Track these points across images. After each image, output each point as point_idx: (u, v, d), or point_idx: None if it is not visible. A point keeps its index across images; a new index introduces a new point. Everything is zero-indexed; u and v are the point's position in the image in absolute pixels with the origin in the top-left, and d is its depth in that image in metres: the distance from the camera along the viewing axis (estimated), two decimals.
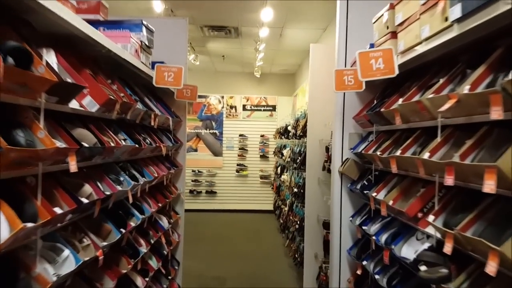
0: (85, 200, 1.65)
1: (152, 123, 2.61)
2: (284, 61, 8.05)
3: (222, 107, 9.26)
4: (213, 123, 9.27)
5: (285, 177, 6.34)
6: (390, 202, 1.97)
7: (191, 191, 9.10)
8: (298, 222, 4.81)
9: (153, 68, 2.76)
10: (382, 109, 2.13)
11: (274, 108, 9.26)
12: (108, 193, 1.92)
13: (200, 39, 6.67)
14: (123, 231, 2.11)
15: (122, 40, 2.35)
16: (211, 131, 9.26)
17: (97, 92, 1.87)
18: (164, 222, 3.14)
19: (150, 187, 2.75)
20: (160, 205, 2.94)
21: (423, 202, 1.79)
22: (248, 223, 8.06)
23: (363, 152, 2.44)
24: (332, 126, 3.00)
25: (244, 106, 9.25)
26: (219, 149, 9.24)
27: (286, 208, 6.08)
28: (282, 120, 8.46)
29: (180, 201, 3.71)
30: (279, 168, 7.63)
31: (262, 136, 9.19)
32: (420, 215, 1.78)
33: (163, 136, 3.20)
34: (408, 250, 1.88)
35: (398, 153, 1.87)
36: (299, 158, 4.80)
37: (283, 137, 7.16)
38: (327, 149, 4.00)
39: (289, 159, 5.96)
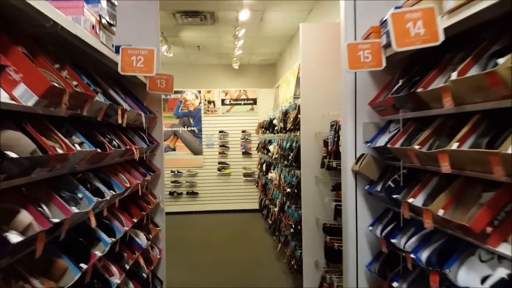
0: (14, 239, 1.09)
1: (120, 121, 2.05)
2: (264, 49, 7.54)
3: (200, 103, 8.67)
4: (191, 120, 8.67)
5: (272, 175, 5.85)
6: (440, 212, 1.50)
7: (171, 193, 8.50)
8: (293, 225, 4.33)
9: (117, 52, 2.18)
10: (420, 89, 1.65)
11: (255, 101, 8.74)
12: (57, 220, 1.36)
13: (172, 28, 6.06)
14: (84, 266, 1.56)
15: (73, 12, 1.78)
16: (189, 128, 8.66)
17: (35, 78, 1.31)
18: (142, 239, 2.58)
19: (122, 200, 2.19)
20: (135, 220, 2.38)
21: (493, 212, 1.32)
22: (233, 224, 7.54)
23: (388, 146, 1.96)
24: (340, 115, 2.52)
25: (223, 100, 8.69)
26: (198, 147, 8.66)
27: (276, 209, 5.60)
28: (265, 113, 7.96)
29: (160, 210, 3.15)
30: (264, 165, 7.14)
31: (243, 131, 8.68)
32: (489, 229, 1.32)
33: (135, 136, 2.64)
34: (470, 276, 1.42)
35: (454, 146, 1.40)
36: (291, 154, 4.32)
37: (267, 131, 6.67)
38: (326, 143, 3.53)
39: (277, 156, 5.48)
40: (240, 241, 6.26)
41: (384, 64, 2.03)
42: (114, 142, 2.04)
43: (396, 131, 2.15)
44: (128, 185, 2.14)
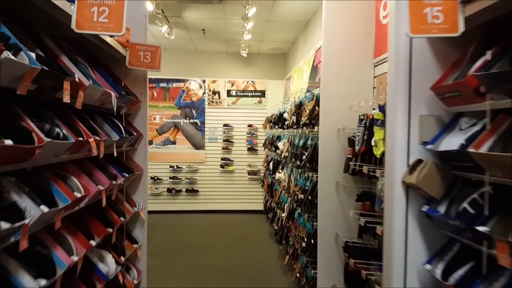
0: None
1: (66, 99, 1.38)
2: (276, 36, 6.82)
3: (204, 93, 8.00)
4: (193, 112, 8.00)
5: (281, 175, 5.17)
6: None
7: (169, 190, 7.88)
8: (305, 238, 3.66)
9: (72, 1, 1.51)
10: None
11: (263, 93, 8.04)
12: None
13: (174, 7, 5.37)
14: None
15: None
16: (191, 120, 8.00)
17: None
18: (109, 263, 1.92)
19: (78, 214, 1.53)
20: (95, 241, 1.72)
21: None
22: (235, 226, 6.89)
23: (470, 150, 1.27)
24: (388, 104, 1.83)
25: (228, 91, 8.01)
26: (200, 141, 8.00)
27: (284, 214, 4.93)
28: (273, 107, 7.28)
29: (140, 222, 2.48)
30: (271, 164, 6.47)
31: (249, 126, 8.00)
32: None
33: (104, 125, 1.96)
34: None
35: None
36: (305, 153, 3.63)
37: (276, 126, 5.99)
38: (352, 142, 2.84)
39: (286, 154, 4.80)
40: (242, 248, 5.59)
41: (461, 28, 1.36)
42: (58, 131, 1.37)
43: (474, 128, 1.45)
44: (80, 195, 1.47)
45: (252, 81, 8.02)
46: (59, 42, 1.75)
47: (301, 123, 3.83)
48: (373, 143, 2.49)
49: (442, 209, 1.54)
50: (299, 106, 4.06)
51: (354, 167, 2.75)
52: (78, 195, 1.48)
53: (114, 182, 1.89)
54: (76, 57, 1.79)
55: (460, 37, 1.52)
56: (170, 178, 7.90)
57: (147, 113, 2.48)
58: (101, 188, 1.70)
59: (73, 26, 1.49)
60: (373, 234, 2.93)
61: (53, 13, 1.51)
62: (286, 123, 5.03)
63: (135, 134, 2.29)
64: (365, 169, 2.51)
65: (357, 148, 2.71)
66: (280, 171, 5.46)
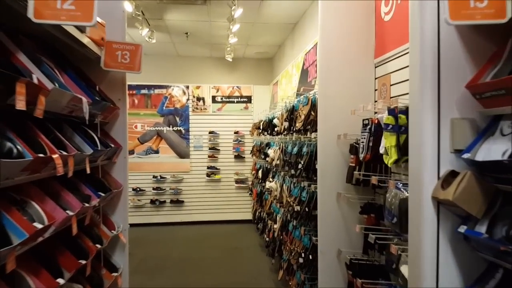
0: None
1: (19, 105, 1.08)
2: (262, 40, 6.59)
3: (187, 99, 7.69)
4: (177, 119, 7.68)
5: (272, 184, 4.90)
6: None
7: (152, 201, 7.51)
8: (302, 253, 3.39)
9: None
10: None
11: (249, 99, 7.80)
12: None
13: (155, 8, 5.08)
14: None
15: None
16: (175, 128, 7.67)
17: None
18: None
19: (43, 244, 1.22)
20: (63, 279, 1.40)
21: None
22: (223, 238, 6.57)
23: None
24: (412, 107, 1.59)
25: (213, 97, 7.72)
26: (185, 149, 7.67)
27: (276, 226, 4.65)
28: (261, 113, 7.03)
29: (120, 245, 2.17)
30: (260, 172, 6.20)
31: (236, 133, 7.73)
32: None
33: (75, 136, 1.66)
34: None
35: None
36: (301, 162, 3.37)
37: (265, 133, 5.73)
38: (355, 149, 2.60)
39: (278, 162, 4.53)
40: (231, 262, 5.28)
41: (509, 13, 1.14)
42: (9, 147, 1.07)
43: None
44: (41, 226, 1.17)
45: (237, 87, 7.76)
46: (18, 39, 1.45)
47: (294, 128, 3.58)
48: (382, 151, 2.25)
49: (482, 229, 1.29)
50: (292, 111, 3.81)
51: (359, 176, 2.51)
52: (39, 226, 1.17)
53: (86, 204, 1.58)
54: (40, 57, 1.49)
55: (493, 28, 1.29)
56: (153, 189, 7.54)
57: (126, 122, 2.17)
58: (70, 213, 1.40)
59: (30, 14, 1.19)
60: (379, 250, 2.69)
61: (11, 4, 1.22)
62: (276, 129, 4.78)
63: (112, 145, 1.99)
64: (374, 179, 2.26)
65: (361, 156, 2.47)
66: (271, 179, 5.19)
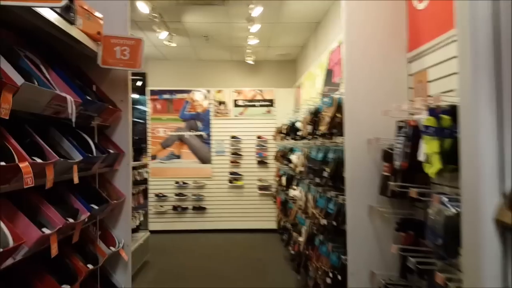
0: None
1: None
2: (284, 40, 6.33)
3: (209, 104, 7.51)
4: (199, 124, 7.51)
5: (296, 193, 4.60)
6: None
7: (174, 207, 7.36)
8: (330, 273, 3.07)
9: None
10: None
11: (272, 102, 7.53)
12: None
13: (172, 10, 4.92)
14: None
15: None
16: (197, 133, 7.50)
17: None
18: None
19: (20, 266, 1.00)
20: None
21: None
22: (246, 248, 6.29)
23: None
24: (463, 105, 1.28)
25: (235, 101, 7.51)
26: (207, 155, 7.49)
27: (301, 239, 4.34)
28: (283, 117, 6.75)
29: (122, 263, 1.94)
30: (284, 178, 5.90)
31: (259, 137, 7.46)
32: None
33: (63, 140, 1.44)
34: None
35: None
36: (326, 169, 3.07)
37: (288, 137, 5.45)
38: (388, 155, 2.28)
39: (302, 169, 4.24)
40: (254, 275, 4.99)
41: None
42: None
43: None
44: (1, 250, 0.94)
45: (259, 90, 7.52)
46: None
47: (318, 133, 3.28)
48: (421, 158, 1.93)
49: None
50: (316, 114, 3.51)
51: (394, 188, 2.18)
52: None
53: (70, 220, 1.36)
54: (20, 50, 1.30)
55: None
56: (175, 195, 7.39)
57: (129, 125, 1.96)
58: (47, 231, 1.18)
59: None
60: (419, 273, 2.34)
61: None
62: (299, 133, 4.49)
63: (111, 151, 1.78)
64: (413, 192, 1.94)
65: (396, 164, 2.15)
66: (295, 187, 4.89)
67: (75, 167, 1.40)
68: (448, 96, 1.74)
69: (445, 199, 1.84)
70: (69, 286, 1.34)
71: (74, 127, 1.55)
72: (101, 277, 1.85)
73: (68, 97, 1.32)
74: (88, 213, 1.51)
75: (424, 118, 1.88)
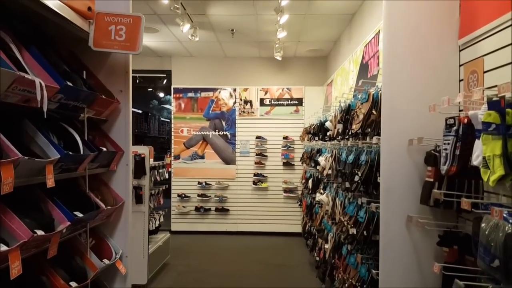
0: None
1: None
2: (315, 35, 5.97)
3: (234, 103, 7.28)
4: (223, 123, 7.29)
5: (323, 197, 4.25)
6: None
7: (197, 208, 7.18)
8: (358, 286, 2.72)
9: None
10: None
11: (300, 101, 7.20)
12: None
13: (196, 3, 4.70)
14: None
15: None
16: (221, 133, 7.28)
17: None
18: None
19: None
20: None
21: None
22: (269, 252, 6.00)
23: None
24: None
25: (261, 100, 7.24)
26: (231, 155, 7.25)
27: (328, 247, 4.00)
28: (312, 116, 6.41)
29: (121, 277, 1.69)
30: (310, 181, 5.55)
31: (285, 138, 7.15)
32: None
33: (37, 135, 1.20)
34: None
35: None
36: (358, 173, 2.71)
37: (316, 138, 5.10)
38: (434, 158, 1.92)
39: (329, 172, 3.89)
40: (277, 281, 4.69)
41: None
42: None
43: None
44: None
45: (288, 88, 7.20)
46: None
47: (350, 132, 2.93)
48: (476, 163, 1.57)
49: None
50: (348, 112, 3.16)
51: (439, 196, 1.82)
52: None
53: (39, 232, 1.12)
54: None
55: None
56: (198, 195, 7.20)
57: (129, 119, 1.71)
58: (3, 248, 0.93)
59: None
60: None
61: None
62: (328, 133, 4.14)
63: (104, 149, 1.53)
64: (466, 203, 1.58)
65: (443, 168, 1.79)
66: (322, 191, 4.54)
67: (49, 168, 1.15)
68: None
69: (505, 212, 1.48)
70: None
71: (60, 120, 1.30)
72: None
73: (37, 81, 1.07)
74: (68, 223, 1.26)
75: (482, 114, 1.51)
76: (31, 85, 1.07)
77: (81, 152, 1.35)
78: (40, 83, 1.09)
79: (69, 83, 1.27)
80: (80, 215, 1.36)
